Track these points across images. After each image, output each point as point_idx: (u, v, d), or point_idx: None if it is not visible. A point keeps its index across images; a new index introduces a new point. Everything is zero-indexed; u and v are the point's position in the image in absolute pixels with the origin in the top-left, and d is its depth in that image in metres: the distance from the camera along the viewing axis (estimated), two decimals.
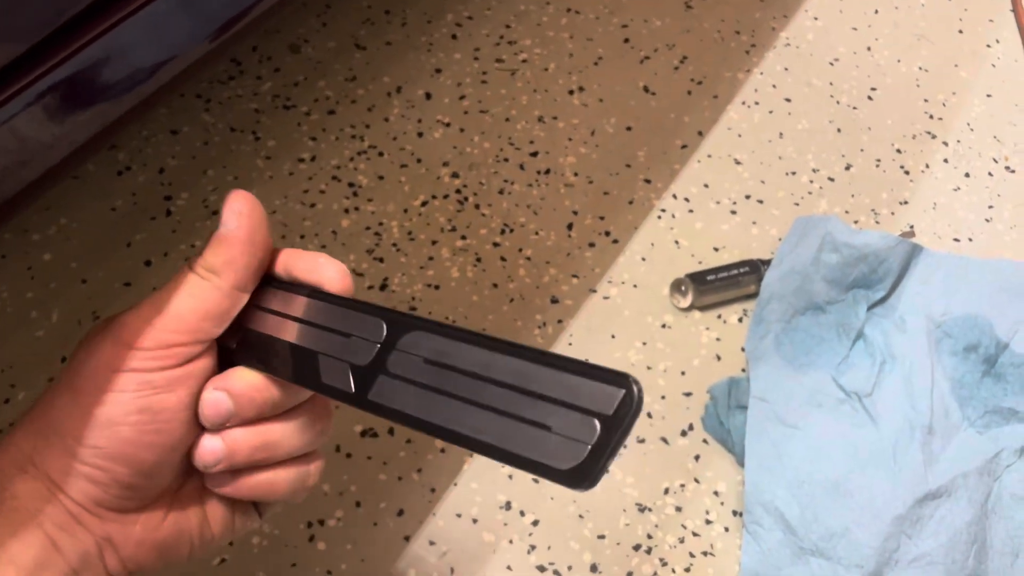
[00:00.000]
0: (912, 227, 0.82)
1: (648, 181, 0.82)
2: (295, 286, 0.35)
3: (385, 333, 0.33)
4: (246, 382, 0.35)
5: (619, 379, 0.27)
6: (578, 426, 0.28)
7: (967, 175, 0.87)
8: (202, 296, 0.34)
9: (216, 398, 0.34)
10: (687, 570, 0.62)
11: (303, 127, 0.82)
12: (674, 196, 0.82)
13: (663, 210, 0.80)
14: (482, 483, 0.65)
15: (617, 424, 0.27)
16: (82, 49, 0.44)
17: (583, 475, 0.27)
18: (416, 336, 0.32)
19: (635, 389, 0.27)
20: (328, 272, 0.35)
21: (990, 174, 0.87)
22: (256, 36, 0.88)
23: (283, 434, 0.36)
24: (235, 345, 0.35)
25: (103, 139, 0.50)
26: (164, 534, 0.35)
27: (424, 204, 0.79)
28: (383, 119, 0.84)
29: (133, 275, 0.72)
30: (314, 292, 0.35)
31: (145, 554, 0.35)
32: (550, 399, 0.28)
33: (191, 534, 0.36)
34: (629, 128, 0.86)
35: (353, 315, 0.34)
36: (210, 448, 0.35)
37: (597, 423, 0.27)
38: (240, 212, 0.34)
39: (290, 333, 0.35)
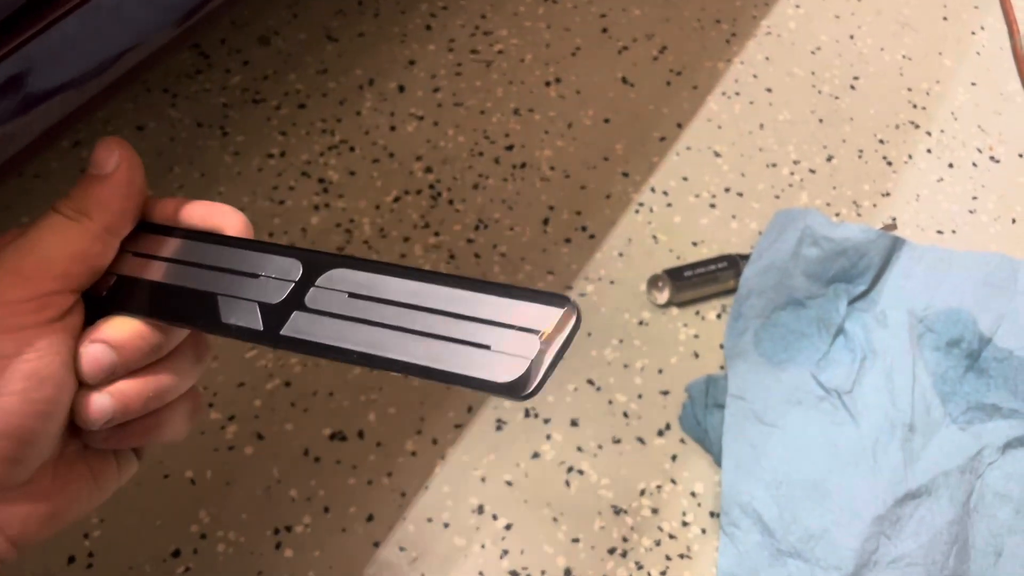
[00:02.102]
0: (894, 219, 0.80)
1: (626, 174, 0.81)
2: (175, 231, 0.33)
3: (301, 272, 0.32)
4: (127, 330, 0.32)
5: (556, 299, 0.29)
6: (517, 343, 0.29)
7: (951, 166, 0.85)
8: (72, 239, 0.31)
9: (96, 351, 0.31)
10: (663, 573, 0.61)
11: (272, 121, 0.80)
12: (652, 190, 0.80)
13: (641, 204, 0.79)
14: (454, 486, 0.63)
15: (558, 341, 0.29)
16: (41, 34, 0.42)
17: (522, 386, 0.28)
18: (338, 273, 0.32)
19: (574, 308, 0.29)
20: (230, 220, 0.33)
21: (974, 164, 0.86)
22: (224, 28, 0.86)
23: (172, 376, 0.34)
24: (105, 293, 0.33)
25: (65, 128, 0.49)
26: (50, 504, 0.33)
27: (396, 200, 0.77)
28: (355, 113, 0.82)
29: None
30: (205, 235, 0.33)
31: (34, 528, 0.32)
32: (486, 321, 0.29)
33: (78, 496, 0.34)
34: (607, 120, 0.84)
35: (259, 256, 0.33)
36: (99, 407, 0.32)
37: (536, 338, 0.29)
38: (115, 152, 0.32)
39: (176, 276, 0.33)
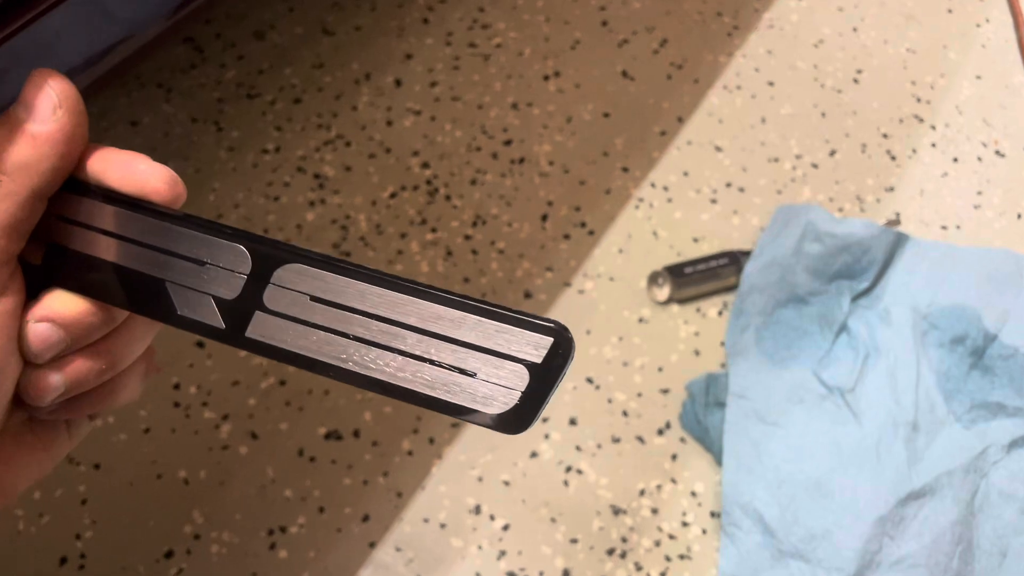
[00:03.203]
0: (898, 215, 0.79)
1: (626, 170, 0.80)
2: (103, 192, 0.29)
3: (251, 264, 0.29)
4: (73, 308, 0.29)
5: (549, 328, 0.26)
6: (507, 373, 0.27)
7: (955, 160, 0.84)
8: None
9: (42, 331, 0.28)
10: (663, 574, 0.60)
11: (268, 116, 0.79)
12: (652, 185, 0.79)
13: (641, 199, 0.78)
14: (450, 487, 0.62)
15: (549, 373, 0.26)
16: (26, 28, 0.41)
17: (512, 423, 0.26)
18: (293, 269, 0.28)
19: (567, 337, 0.26)
20: (153, 182, 0.28)
21: (979, 159, 0.84)
22: (219, 22, 0.85)
23: (126, 346, 0.30)
24: (39, 263, 0.29)
25: None
26: (2, 483, 0.30)
27: (393, 196, 0.76)
28: (351, 107, 0.81)
29: None
30: (137, 203, 0.29)
31: None
32: (472, 345, 0.27)
33: (27, 467, 0.31)
34: (606, 115, 0.83)
35: (201, 238, 0.29)
36: (48, 385, 0.29)
37: (526, 371, 0.26)
38: (53, 96, 0.26)
39: (117, 253, 0.30)
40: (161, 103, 0.79)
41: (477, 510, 0.62)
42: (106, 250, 0.30)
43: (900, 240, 0.74)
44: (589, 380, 0.68)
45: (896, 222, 0.78)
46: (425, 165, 0.78)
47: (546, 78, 0.85)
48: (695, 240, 0.76)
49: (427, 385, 0.27)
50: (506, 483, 0.63)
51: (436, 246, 0.73)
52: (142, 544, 0.59)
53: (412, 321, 0.27)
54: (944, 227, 0.79)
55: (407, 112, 0.81)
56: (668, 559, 0.61)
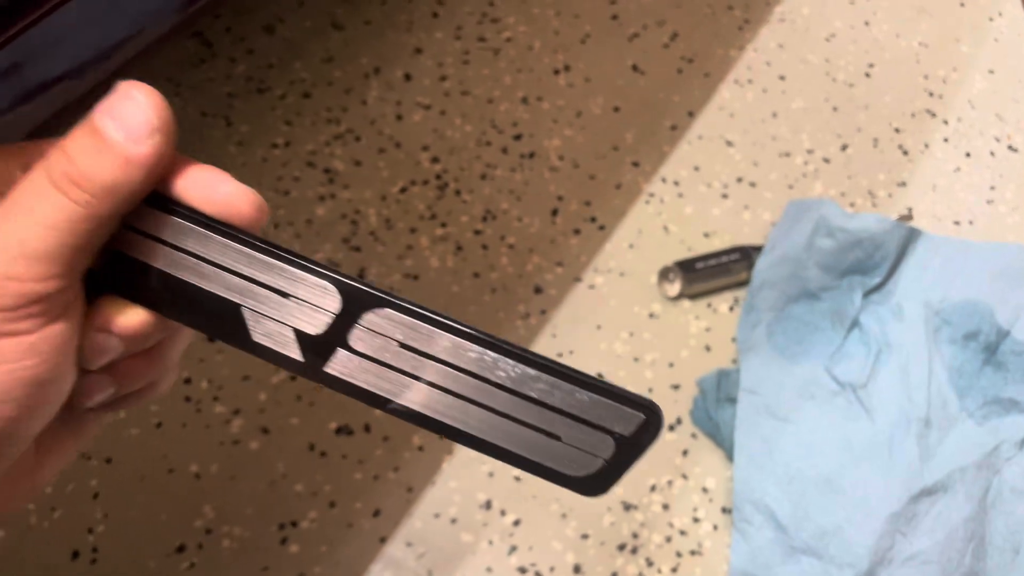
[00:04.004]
0: (910, 210, 0.79)
1: (636, 164, 0.79)
2: (181, 209, 0.28)
3: (340, 305, 0.28)
4: (137, 321, 0.28)
5: (641, 404, 0.27)
6: (592, 441, 0.28)
7: (968, 155, 0.84)
8: (72, 223, 0.25)
9: (103, 341, 0.28)
10: (674, 570, 0.60)
11: (277, 111, 0.79)
12: (663, 180, 0.79)
13: (651, 194, 0.78)
14: (461, 482, 0.62)
15: (635, 447, 0.28)
16: (39, 22, 0.41)
17: (590, 487, 0.28)
18: (384, 314, 0.28)
19: (659, 416, 0.27)
20: (239, 205, 0.27)
21: (992, 154, 0.84)
22: (229, 16, 0.85)
23: (174, 348, 0.30)
24: (102, 268, 0.29)
25: (67, 119, 0.48)
26: (32, 478, 0.30)
27: (403, 190, 0.76)
28: (360, 102, 0.81)
29: None
30: (220, 226, 0.29)
31: (12, 502, 0.30)
32: (561, 411, 0.28)
33: (58, 460, 0.31)
34: (617, 109, 0.83)
35: (289, 271, 0.28)
36: (101, 389, 0.29)
37: (612, 442, 0.28)
38: (153, 119, 0.24)
39: (191, 272, 0.29)
40: (171, 97, 0.79)
41: (488, 505, 0.62)
42: (178, 266, 0.29)
43: (912, 235, 0.73)
44: (599, 376, 0.68)
45: (908, 217, 0.78)
46: (435, 160, 0.78)
47: (556, 72, 0.85)
48: (706, 235, 0.75)
49: (511, 442, 0.28)
50: (517, 479, 0.63)
51: (446, 241, 0.73)
52: (154, 538, 0.59)
53: (504, 381, 0.28)
54: (957, 222, 0.79)
55: (417, 106, 0.81)
56: (679, 555, 0.61)
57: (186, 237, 0.28)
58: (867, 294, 0.72)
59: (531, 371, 0.28)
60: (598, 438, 0.28)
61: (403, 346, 0.28)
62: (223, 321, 0.29)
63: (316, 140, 0.78)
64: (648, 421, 0.27)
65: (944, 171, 0.82)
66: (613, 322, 0.70)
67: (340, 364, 0.29)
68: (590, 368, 0.68)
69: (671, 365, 0.69)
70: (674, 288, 0.71)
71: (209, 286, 0.29)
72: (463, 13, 0.88)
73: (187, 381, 0.65)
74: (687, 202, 0.77)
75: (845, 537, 0.60)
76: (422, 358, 0.28)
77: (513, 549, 0.60)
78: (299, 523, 0.60)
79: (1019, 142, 0.85)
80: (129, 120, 0.24)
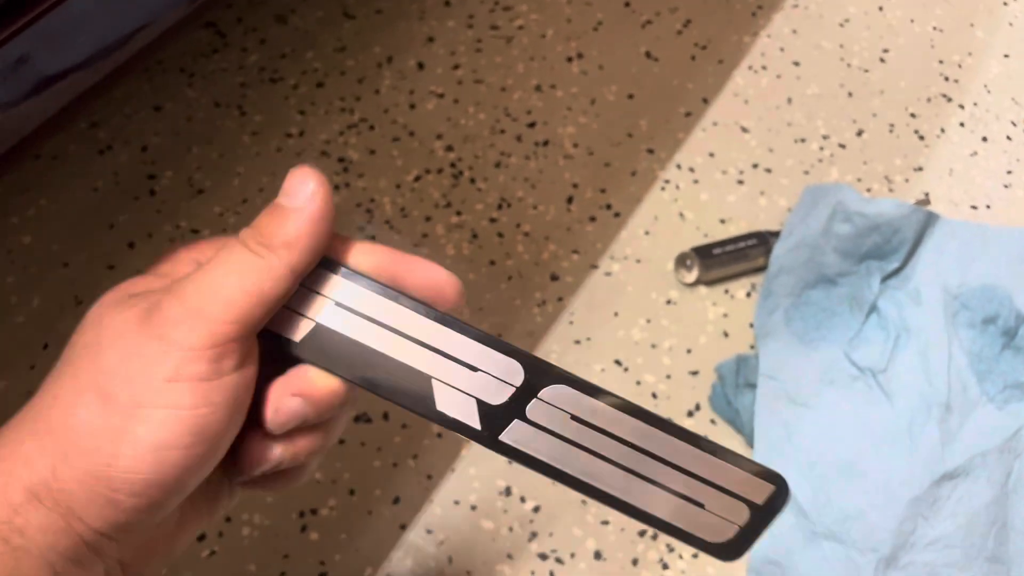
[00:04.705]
0: (927, 195, 0.78)
1: (651, 151, 0.79)
2: (374, 283, 0.31)
3: (523, 378, 0.32)
4: (327, 388, 0.30)
5: (771, 475, 0.31)
6: (729, 508, 0.31)
7: (984, 139, 0.83)
8: (257, 278, 0.28)
9: (294, 406, 0.30)
10: (695, 555, 0.60)
11: (291, 101, 0.79)
12: (678, 166, 0.78)
13: (667, 181, 0.77)
14: (480, 469, 0.62)
15: (767, 515, 0.31)
16: (47, 14, 0.41)
17: (729, 551, 0.31)
18: (561, 389, 0.32)
19: (787, 487, 0.31)
20: (447, 290, 0.31)
21: (1008, 138, 0.83)
22: (240, 6, 0.84)
23: (333, 432, 0.32)
24: (299, 339, 0.31)
25: (79, 110, 0.48)
26: (171, 542, 0.31)
27: (417, 179, 0.75)
28: (374, 91, 0.80)
29: (116, 257, 0.69)
30: (414, 302, 0.32)
31: (153, 565, 0.31)
32: (704, 480, 0.31)
33: (192, 532, 0.32)
34: (631, 96, 0.82)
35: (479, 347, 0.32)
36: (272, 457, 0.30)
37: (747, 509, 0.31)
38: (309, 182, 0.29)
39: (386, 343, 0.32)
40: (184, 88, 0.79)
41: (507, 492, 0.61)
42: (372, 337, 0.32)
43: (930, 220, 0.73)
44: (618, 362, 0.67)
45: (926, 202, 0.77)
46: (449, 148, 0.77)
47: (569, 60, 0.84)
48: (722, 221, 0.75)
49: (660, 509, 0.31)
50: None
51: (461, 229, 0.73)
52: None
53: (657, 451, 0.31)
54: (974, 207, 0.78)
55: (430, 95, 0.81)
56: None
57: (382, 310, 0.31)
58: (885, 279, 0.71)
59: (681, 443, 0.31)
60: (735, 506, 0.31)
61: (574, 418, 0.31)
62: (411, 391, 0.32)
63: (330, 129, 0.78)
64: (778, 490, 0.31)
65: (961, 155, 0.82)
66: (630, 309, 0.70)
67: (516, 434, 0.32)
68: (609, 355, 0.68)
69: (689, 351, 0.68)
70: (691, 274, 0.71)
71: (405, 358, 0.31)
72: (475, 1, 0.88)
73: None
74: (703, 189, 0.77)
75: (867, 521, 0.59)
76: (590, 430, 0.31)
77: (533, 535, 0.60)
78: (319, 511, 0.60)
79: None
80: (293, 189, 0.29)
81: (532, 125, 0.80)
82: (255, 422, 0.30)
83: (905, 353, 0.67)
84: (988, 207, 0.78)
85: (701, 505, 0.31)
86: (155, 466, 0.27)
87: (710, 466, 0.31)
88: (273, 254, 0.28)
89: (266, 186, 0.74)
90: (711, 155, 0.79)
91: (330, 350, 0.31)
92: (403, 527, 0.60)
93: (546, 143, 0.79)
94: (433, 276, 0.31)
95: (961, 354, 0.68)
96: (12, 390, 0.63)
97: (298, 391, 0.30)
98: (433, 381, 0.32)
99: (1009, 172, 0.81)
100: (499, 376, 0.32)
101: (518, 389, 0.32)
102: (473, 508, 0.61)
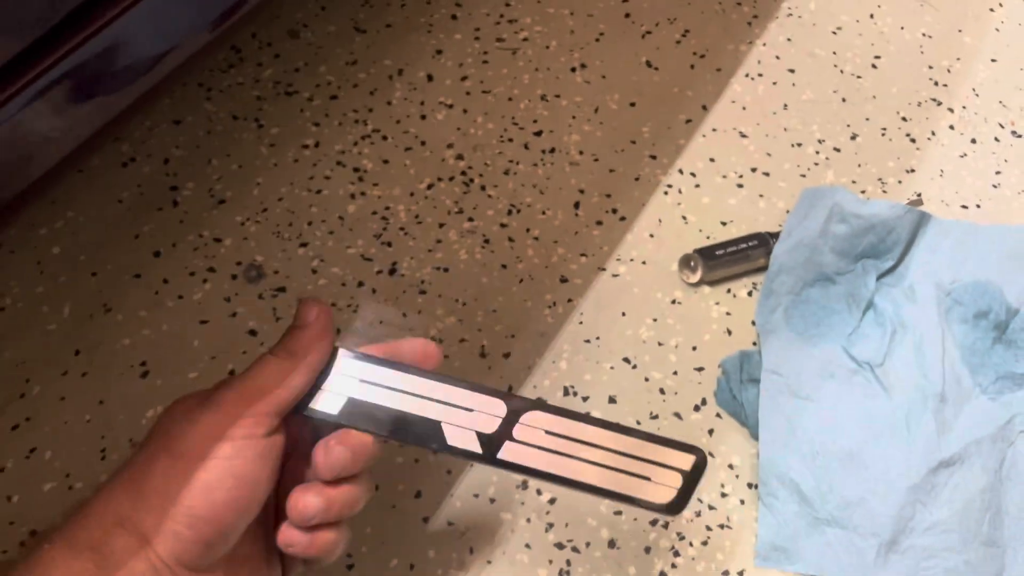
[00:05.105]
0: (919, 195, 0.81)
1: (654, 157, 0.82)
2: (382, 361, 0.44)
3: (505, 411, 0.44)
4: (361, 442, 0.42)
5: (692, 448, 0.44)
6: (667, 477, 0.44)
7: (974, 141, 0.86)
8: (282, 373, 0.41)
9: (340, 453, 0.41)
10: (704, 543, 0.63)
11: (305, 113, 0.82)
12: (680, 171, 0.81)
13: (669, 186, 0.80)
14: None
15: (695, 477, 0.44)
16: (87, 41, 0.43)
17: (673, 509, 0.44)
18: (535, 414, 0.44)
19: (704, 455, 0.45)
20: (429, 351, 0.45)
21: (997, 140, 0.87)
22: (255, 22, 0.87)
23: (361, 492, 0.43)
24: (337, 412, 0.43)
25: (107, 133, 0.50)
26: None
27: (430, 187, 0.78)
28: (386, 102, 0.83)
29: (142, 266, 0.72)
30: (414, 370, 0.44)
31: None
32: (645, 459, 0.44)
33: None
34: (633, 104, 0.85)
35: (469, 393, 0.44)
36: (313, 503, 0.41)
37: (679, 476, 0.44)
38: (314, 308, 0.43)
39: (401, 403, 0.43)
40: (202, 102, 0.82)
41: (524, 485, 0.64)
42: (390, 400, 0.43)
43: (923, 220, 0.76)
44: (626, 360, 0.70)
45: (918, 202, 0.81)
46: (459, 157, 0.80)
47: (573, 70, 0.87)
48: (723, 224, 0.78)
49: (621, 486, 0.43)
50: None
51: (474, 234, 0.76)
52: None
53: (611, 445, 0.43)
54: (964, 206, 0.82)
55: (440, 106, 0.84)
56: (709, 528, 0.64)
57: (393, 379, 0.43)
58: (880, 277, 0.74)
59: (628, 438, 0.44)
60: (671, 475, 0.44)
61: (548, 432, 0.43)
62: (427, 434, 0.43)
63: (344, 140, 0.80)
64: (699, 458, 0.44)
65: (951, 157, 0.85)
66: (637, 309, 0.73)
67: (508, 452, 0.43)
68: (617, 353, 0.70)
69: (694, 348, 0.71)
70: (695, 275, 0.74)
71: (418, 411, 0.43)
72: (480, 15, 0.91)
73: (231, 373, 0.67)
74: (704, 192, 0.80)
75: (868, 508, 0.62)
76: (561, 439, 0.43)
77: (550, 526, 0.63)
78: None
79: (1023, 128, 0.87)
80: (304, 314, 0.43)
81: (539, 133, 0.83)
82: (300, 480, 0.43)
83: (901, 348, 0.70)
84: (978, 206, 0.82)
85: (648, 478, 0.43)
86: (204, 502, 0.38)
87: (649, 449, 0.44)
88: (295, 358, 0.41)
89: (285, 195, 0.76)
90: (711, 160, 0.82)
91: (361, 415, 0.43)
92: (425, 520, 0.62)
93: (552, 151, 0.82)
94: (419, 347, 0.45)
95: (954, 348, 0.71)
96: (46, 394, 0.65)
97: (340, 442, 0.42)
98: (442, 424, 0.43)
99: (998, 172, 0.84)
100: (488, 412, 0.43)
101: (503, 419, 0.43)
102: (492, 501, 0.63)
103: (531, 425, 0.44)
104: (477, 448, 0.43)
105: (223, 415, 0.39)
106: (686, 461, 0.44)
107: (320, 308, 0.43)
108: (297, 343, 0.42)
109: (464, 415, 0.43)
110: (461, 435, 0.43)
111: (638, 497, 0.43)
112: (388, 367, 0.43)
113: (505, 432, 0.43)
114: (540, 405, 0.44)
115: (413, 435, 0.43)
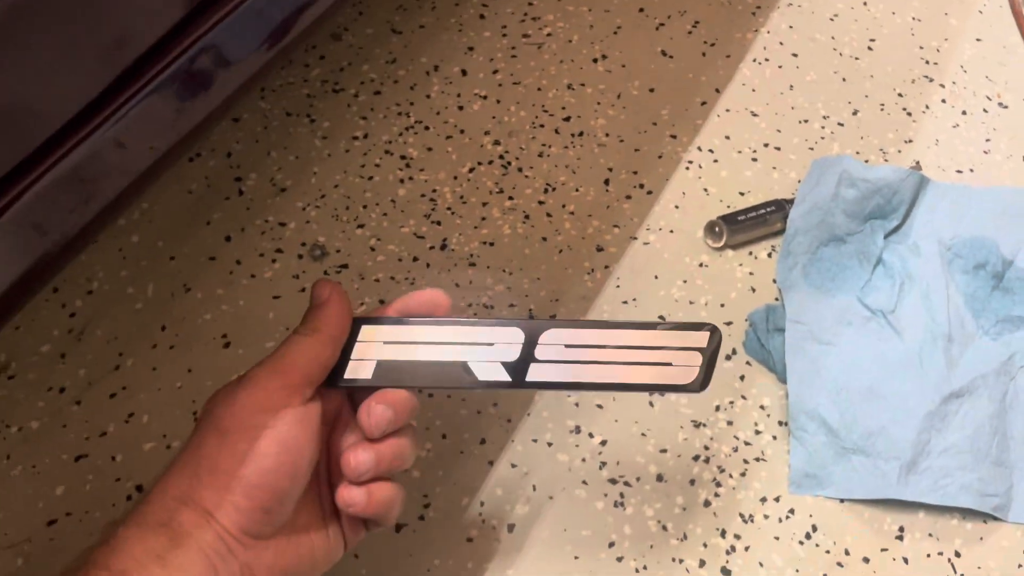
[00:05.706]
0: (918, 162, 0.89)
1: (674, 136, 0.89)
2: (402, 320, 0.46)
3: (524, 337, 0.45)
4: (400, 396, 0.45)
5: (705, 326, 0.46)
6: (688, 358, 0.46)
7: (964, 113, 0.94)
8: (308, 347, 0.44)
9: (381, 412, 0.44)
10: (743, 474, 0.70)
11: (353, 108, 0.89)
12: (699, 148, 0.89)
13: (690, 161, 0.88)
14: (552, 412, 0.72)
15: (714, 352, 0.46)
16: (194, 44, 0.48)
17: (700, 385, 0.46)
18: (552, 332, 0.45)
19: (718, 329, 0.46)
20: (437, 299, 0.47)
21: (985, 111, 0.94)
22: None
23: (409, 445, 0.47)
24: (371, 376, 0.45)
25: (195, 137, 0.54)
26: (289, 559, 0.44)
27: (471, 170, 0.85)
28: (425, 96, 0.90)
29: (215, 250, 0.79)
30: (428, 319, 0.46)
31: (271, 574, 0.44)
32: (664, 347, 0.46)
33: (312, 556, 0.45)
34: (652, 90, 0.93)
35: (488, 329, 0.45)
36: (364, 458, 0.44)
37: (699, 355, 0.46)
38: (327, 287, 0.46)
39: (426, 353, 0.45)
40: (257, 101, 0.89)
41: (577, 430, 0.71)
42: (415, 353, 0.45)
43: (923, 183, 0.84)
44: (661, 317, 0.77)
45: (918, 168, 0.88)
46: (496, 142, 0.87)
47: (595, 61, 0.95)
48: (741, 194, 0.85)
49: (646, 377, 0.45)
50: (599, 406, 0.72)
51: (515, 211, 0.83)
52: None
53: (628, 342, 0.45)
54: (959, 171, 0.89)
55: (475, 97, 0.91)
56: (746, 461, 0.70)
57: (412, 334, 0.46)
58: (887, 235, 0.82)
59: (642, 332, 0.45)
60: (691, 355, 0.45)
61: (568, 346, 0.45)
62: (457, 377, 0.45)
63: (390, 131, 0.87)
64: (713, 333, 0.46)
65: (944, 128, 0.92)
66: (668, 272, 0.80)
67: (535, 373, 0.45)
68: (653, 312, 0.77)
69: (722, 306, 0.78)
70: (719, 240, 0.81)
71: (444, 357, 0.45)
72: (506, 14, 0.98)
73: None
74: (722, 166, 0.87)
75: (889, 435, 0.69)
76: (580, 349, 0.45)
77: (603, 464, 0.69)
78: (419, 453, 0.69)
79: (1008, 99, 0.95)
80: (320, 293, 0.47)
81: (567, 119, 0.90)
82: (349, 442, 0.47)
83: (910, 296, 0.77)
84: (971, 171, 0.89)
85: (670, 364, 0.45)
86: (255, 470, 0.41)
87: (664, 337, 0.45)
88: (318, 333, 0.45)
89: (340, 182, 0.83)
90: (727, 137, 0.90)
91: (393, 373, 0.45)
92: (491, 463, 0.69)
93: (581, 134, 0.89)
94: (427, 296, 0.47)
95: (958, 295, 0.78)
96: (138, 366, 0.72)
97: (381, 400, 0.45)
98: (468, 363, 0.45)
99: (987, 140, 0.92)
100: (507, 341, 0.45)
101: (524, 344, 0.45)
102: (549, 444, 0.70)
103: (550, 343, 0.45)
104: (506, 377, 0.45)
105: (260, 390, 0.42)
106: (702, 339, 0.45)
107: (333, 286, 0.46)
108: (318, 320, 0.45)
109: (486, 350, 0.45)
110: (488, 369, 0.45)
111: (666, 383, 0.45)
112: (405, 324, 0.46)
113: (528, 355, 0.45)
114: (554, 322, 0.46)
115: (445, 379, 0.45)
